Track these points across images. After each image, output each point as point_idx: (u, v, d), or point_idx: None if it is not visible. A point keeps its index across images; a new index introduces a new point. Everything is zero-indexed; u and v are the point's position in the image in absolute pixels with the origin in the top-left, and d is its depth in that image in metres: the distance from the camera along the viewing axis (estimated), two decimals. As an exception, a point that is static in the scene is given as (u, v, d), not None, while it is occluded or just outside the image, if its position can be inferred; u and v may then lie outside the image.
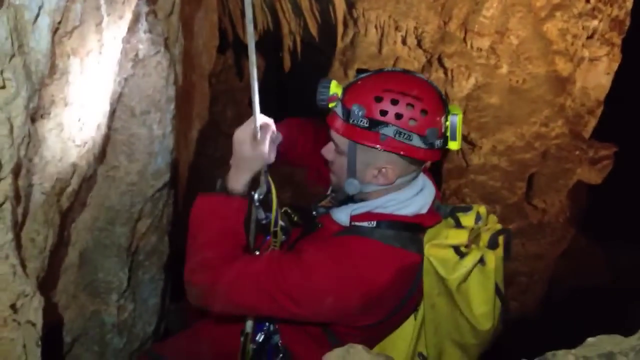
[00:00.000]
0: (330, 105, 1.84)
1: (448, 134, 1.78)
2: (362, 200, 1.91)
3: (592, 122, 4.16)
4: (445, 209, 2.00)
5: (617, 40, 3.95)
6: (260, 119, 1.81)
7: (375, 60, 4.26)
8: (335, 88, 1.81)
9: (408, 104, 1.71)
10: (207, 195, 1.88)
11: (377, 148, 1.74)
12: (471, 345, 1.95)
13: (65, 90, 1.83)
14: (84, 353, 2.66)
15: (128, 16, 2.21)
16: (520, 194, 4.03)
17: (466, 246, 1.83)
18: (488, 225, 1.95)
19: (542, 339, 3.96)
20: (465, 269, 1.76)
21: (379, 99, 1.72)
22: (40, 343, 1.76)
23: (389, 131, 1.71)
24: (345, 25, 4.53)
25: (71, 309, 2.50)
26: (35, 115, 1.72)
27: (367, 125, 1.73)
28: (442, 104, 1.78)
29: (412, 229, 1.84)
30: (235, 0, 5.79)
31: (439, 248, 1.81)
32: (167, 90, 2.46)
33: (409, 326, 1.99)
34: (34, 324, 1.75)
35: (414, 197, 1.88)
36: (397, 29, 4.14)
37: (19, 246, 1.76)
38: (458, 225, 1.91)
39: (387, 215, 1.84)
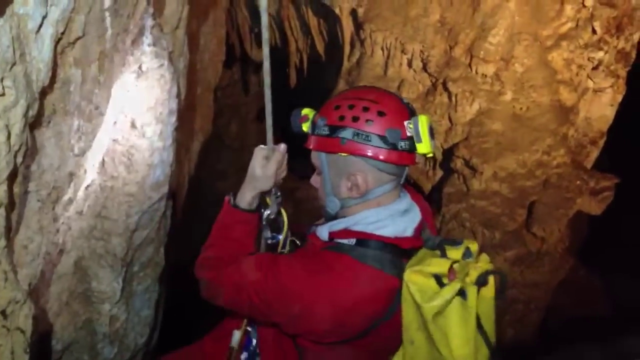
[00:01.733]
0: (304, 127, 1.90)
1: (414, 137, 1.82)
2: (344, 217, 1.93)
3: (594, 153, 4.16)
4: (434, 240, 1.98)
5: (623, 72, 3.96)
6: (271, 143, 1.87)
7: (381, 81, 4.27)
8: (306, 111, 1.88)
9: (364, 107, 1.76)
10: (225, 201, 1.95)
11: (339, 154, 1.79)
12: None
13: (65, 99, 1.83)
14: (74, 362, 2.65)
15: (132, 29, 2.23)
16: (520, 221, 4.01)
17: (449, 278, 1.78)
18: (479, 263, 1.89)
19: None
20: (442, 299, 1.67)
21: (337, 107, 1.79)
22: (29, 350, 1.75)
23: (347, 134, 1.76)
24: (352, 45, 4.56)
25: (63, 317, 2.49)
26: (34, 123, 1.72)
27: (328, 132, 1.78)
28: (406, 109, 1.82)
29: (393, 252, 1.83)
30: (244, 16, 5.83)
31: (419, 274, 1.77)
32: (169, 103, 2.46)
33: None
34: (23, 331, 1.75)
35: (396, 218, 1.86)
36: (403, 51, 4.16)
37: (11, 252, 1.76)
38: (443, 255, 1.89)
39: (367, 234, 1.83)
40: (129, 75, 2.27)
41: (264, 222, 2.03)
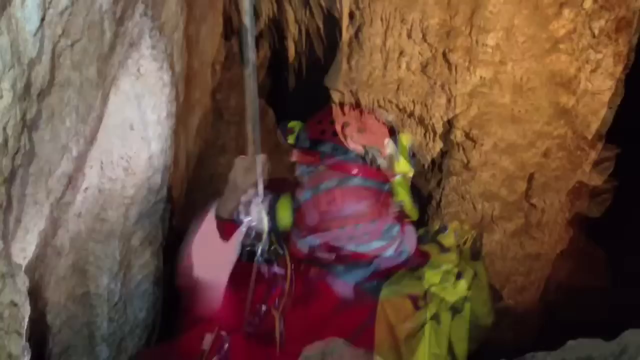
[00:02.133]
0: (289, 139, 1.97)
1: (393, 156, 1.88)
2: (352, 261, 2.02)
3: (595, 123, 4.11)
4: (426, 236, 2.11)
5: (625, 41, 3.90)
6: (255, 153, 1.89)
7: (380, 52, 4.22)
8: (293, 124, 1.94)
9: (345, 123, 1.84)
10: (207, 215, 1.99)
11: (317, 167, 1.85)
12: (476, 336, 2.23)
13: (63, 102, 1.83)
14: (74, 336, 2.66)
15: (131, 32, 2.22)
16: (520, 192, 3.99)
17: (425, 301, 1.88)
18: (464, 235, 2.07)
19: (535, 339, 3.94)
20: (463, 289, 1.86)
21: (319, 122, 1.86)
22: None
23: (326, 148, 1.84)
24: (351, 15, 4.49)
25: (61, 319, 2.51)
26: (32, 125, 1.72)
27: (308, 145, 1.86)
28: (386, 128, 1.90)
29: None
30: (242, -13, 5.75)
31: (436, 276, 1.89)
32: (167, 107, 2.47)
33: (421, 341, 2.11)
34: (20, 334, 1.75)
35: (402, 246, 1.95)
36: (402, 21, 4.10)
37: (9, 256, 1.76)
38: (443, 249, 2.01)
39: (383, 272, 1.92)
40: (127, 78, 2.27)
41: (243, 230, 2.06)
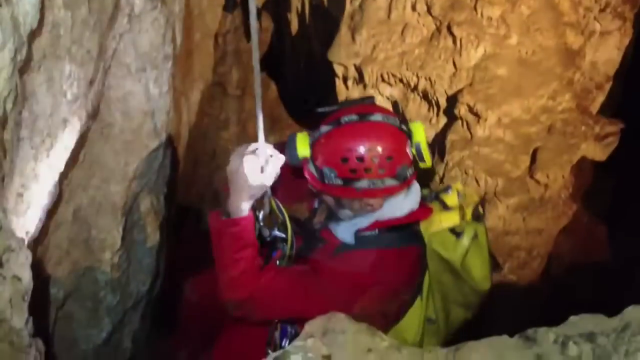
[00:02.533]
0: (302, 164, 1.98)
1: (417, 157, 1.94)
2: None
3: (600, 97, 4.08)
4: (430, 195, 2.18)
5: (630, 15, 3.86)
6: (264, 148, 1.89)
7: (384, 25, 4.18)
8: (303, 149, 1.94)
9: (373, 157, 1.87)
10: (217, 218, 2.00)
11: (356, 200, 1.90)
12: (474, 303, 2.26)
13: (55, 43, 1.80)
14: (77, 309, 2.68)
15: (132, 1, 2.18)
16: (523, 167, 3.97)
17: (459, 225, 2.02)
18: (467, 199, 2.14)
19: (538, 314, 3.96)
20: (464, 247, 2.01)
21: (345, 160, 1.88)
22: (27, 298, 1.76)
23: (362, 184, 1.91)
24: (355, -13, 4.44)
25: (64, 265, 2.51)
26: (24, 68, 1.69)
27: (341, 183, 1.89)
28: (404, 135, 1.93)
29: (411, 226, 2.01)
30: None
31: (436, 234, 1.98)
32: (164, 48, 2.42)
33: (418, 302, 2.24)
34: (20, 279, 1.75)
35: (405, 199, 2.02)
36: (407, -7, 4.06)
37: (3, 200, 1.75)
38: (445, 207, 2.08)
39: (386, 222, 1.99)
40: (120, 19, 2.22)
41: (261, 223, 2.11)
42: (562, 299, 4.20)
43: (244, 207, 2.00)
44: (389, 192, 1.99)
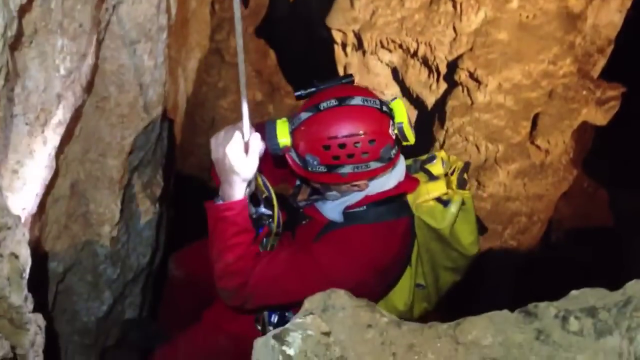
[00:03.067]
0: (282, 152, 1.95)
1: (400, 137, 1.92)
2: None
3: (602, 62, 4.03)
4: (415, 165, 2.17)
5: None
6: (248, 131, 1.87)
7: (384, -10, 4.11)
8: (283, 138, 1.90)
9: (355, 143, 1.83)
10: (211, 204, 2.04)
11: (341, 184, 1.88)
12: (462, 266, 2.28)
13: (46, 17, 1.76)
14: (77, 282, 2.69)
15: None
16: (524, 133, 3.95)
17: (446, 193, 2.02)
18: (452, 165, 2.14)
19: (537, 280, 3.98)
20: (452, 215, 2.02)
21: (327, 148, 1.84)
22: (25, 275, 1.75)
23: (346, 169, 1.87)
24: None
25: (63, 240, 2.50)
26: (15, 44, 1.66)
27: (325, 170, 1.86)
28: (386, 117, 1.89)
29: (399, 198, 2.00)
30: None
31: (424, 204, 1.98)
32: (158, 19, 2.37)
33: (407, 270, 2.27)
34: (17, 256, 1.74)
35: (391, 174, 2.00)
36: (406, -43, 3.99)
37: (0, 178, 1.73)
38: (431, 177, 2.08)
39: (373, 196, 1.98)
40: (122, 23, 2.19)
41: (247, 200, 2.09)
42: (562, 263, 4.22)
43: (237, 191, 1.98)
44: (374, 174, 1.97)
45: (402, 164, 2.13)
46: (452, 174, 2.19)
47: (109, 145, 2.42)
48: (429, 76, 4.23)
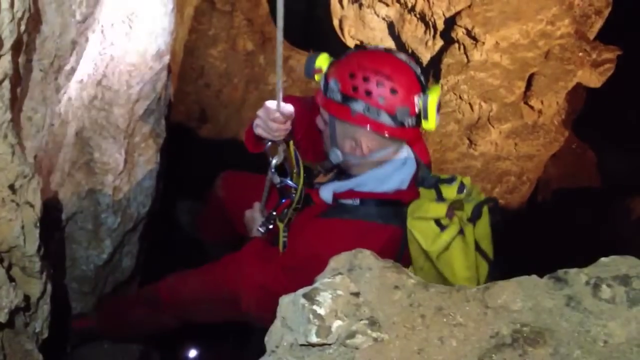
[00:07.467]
0: (316, 77, 1.94)
1: (421, 113, 1.88)
2: (346, 175, 2.02)
3: (599, 23, 4.03)
4: (430, 180, 2.12)
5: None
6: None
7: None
8: (321, 62, 1.92)
9: (378, 82, 1.83)
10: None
11: (347, 122, 1.85)
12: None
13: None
14: (78, 230, 2.68)
15: None
16: (518, 93, 3.96)
17: (448, 215, 1.94)
18: (472, 196, 2.08)
19: (524, 239, 4.05)
20: (444, 242, 1.92)
21: (352, 75, 1.85)
22: (39, 224, 1.75)
23: (358, 107, 1.86)
24: None
25: (66, 187, 2.48)
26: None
27: (340, 99, 1.86)
28: (418, 84, 1.87)
29: (394, 204, 1.97)
30: None
31: (420, 221, 1.96)
32: None
33: None
34: (32, 205, 1.73)
35: (394, 173, 1.99)
36: None
37: (17, 125, 1.71)
38: (439, 197, 2.03)
39: (369, 194, 1.97)
40: None
41: (272, 170, 2.12)
42: (547, 223, 4.30)
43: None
44: (380, 129, 1.94)
45: (408, 173, 2.09)
46: (468, 202, 2.10)
47: (116, 94, 2.38)
48: (425, 32, 4.20)
